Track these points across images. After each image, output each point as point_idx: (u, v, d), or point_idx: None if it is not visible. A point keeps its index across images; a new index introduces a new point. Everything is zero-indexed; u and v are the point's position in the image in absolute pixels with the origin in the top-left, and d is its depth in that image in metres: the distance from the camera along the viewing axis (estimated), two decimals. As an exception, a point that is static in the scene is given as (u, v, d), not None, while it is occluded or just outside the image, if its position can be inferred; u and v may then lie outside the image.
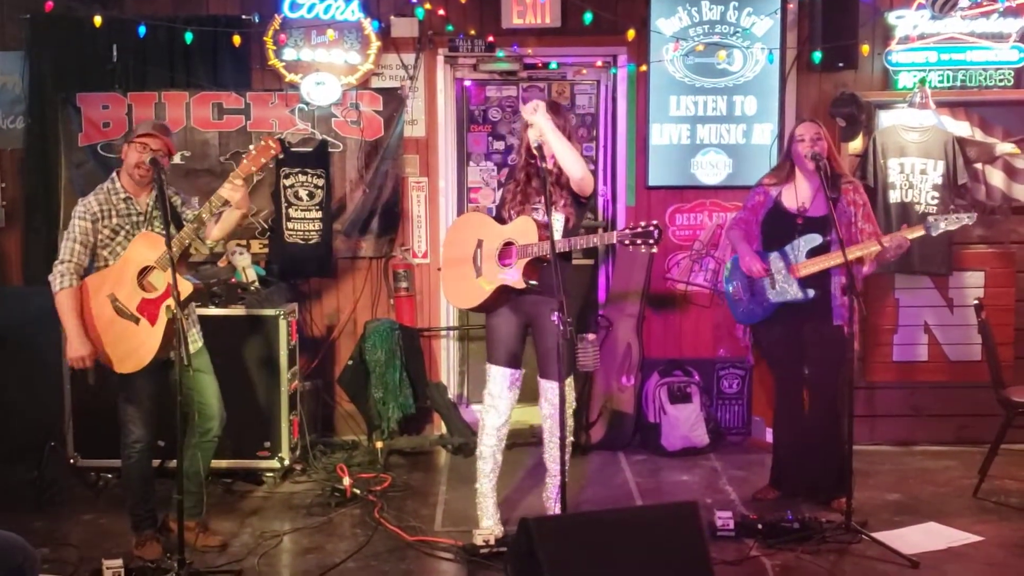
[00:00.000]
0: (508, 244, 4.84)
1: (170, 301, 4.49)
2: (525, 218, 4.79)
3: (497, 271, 4.85)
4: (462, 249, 4.98)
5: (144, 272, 4.66)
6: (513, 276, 4.76)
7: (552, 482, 5.10)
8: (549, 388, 4.96)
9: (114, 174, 4.79)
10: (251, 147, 4.73)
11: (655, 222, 4.54)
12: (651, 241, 4.50)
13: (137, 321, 4.66)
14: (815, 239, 5.28)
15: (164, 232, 4.55)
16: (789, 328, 5.44)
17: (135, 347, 4.67)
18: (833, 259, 5.20)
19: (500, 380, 4.98)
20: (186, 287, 4.60)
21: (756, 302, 5.48)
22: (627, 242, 4.55)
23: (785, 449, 5.68)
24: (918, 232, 5.21)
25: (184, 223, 4.79)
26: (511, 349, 4.98)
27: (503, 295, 4.88)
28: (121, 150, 4.81)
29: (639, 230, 4.52)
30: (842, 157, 6.65)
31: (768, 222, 5.51)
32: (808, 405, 5.59)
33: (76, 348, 4.63)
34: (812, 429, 5.52)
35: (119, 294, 4.67)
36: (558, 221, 4.84)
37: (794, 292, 5.32)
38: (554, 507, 5.05)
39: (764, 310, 5.45)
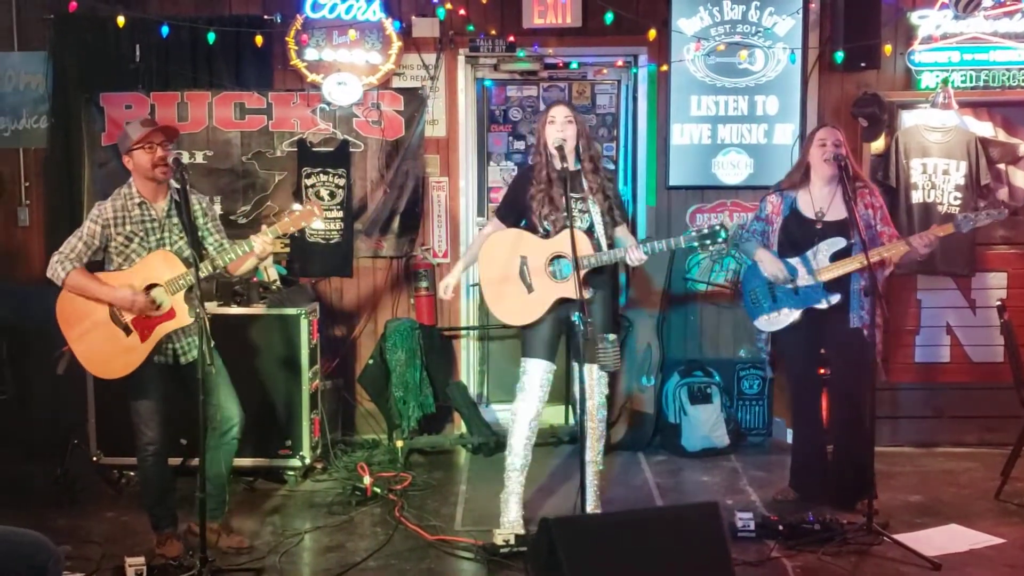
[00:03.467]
0: (558, 257, 4.86)
1: (189, 311, 4.53)
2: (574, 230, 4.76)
3: (551, 284, 4.87)
4: (503, 268, 4.95)
5: (149, 288, 4.64)
6: (572, 288, 4.75)
7: (588, 470, 5.03)
8: (584, 370, 4.94)
9: (130, 180, 4.76)
10: (295, 207, 4.71)
11: (719, 223, 4.73)
12: (719, 240, 4.70)
13: (128, 332, 4.65)
14: (839, 242, 5.26)
15: (182, 247, 4.63)
16: (808, 331, 5.41)
17: (118, 355, 4.67)
18: (856, 263, 5.16)
19: (538, 371, 4.97)
20: (184, 316, 4.61)
21: (780, 308, 5.44)
22: (695, 244, 4.75)
23: (804, 452, 5.66)
24: (948, 230, 5.19)
25: (201, 236, 4.80)
26: (551, 343, 5.00)
27: (556, 306, 4.90)
28: (124, 161, 4.74)
29: (706, 232, 4.70)
30: (864, 157, 6.65)
31: (787, 229, 5.48)
32: (829, 408, 5.57)
33: (126, 298, 4.59)
34: (834, 432, 5.50)
35: None
36: (595, 219, 4.86)
37: (818, 297, 5.30)
38: (591, 502, 5.02)
39: (788, 317, 5.40)
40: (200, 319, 4.43)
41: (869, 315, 5.08)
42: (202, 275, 4.55)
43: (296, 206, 4.76)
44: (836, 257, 5.27)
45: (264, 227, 4.66)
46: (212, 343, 4.86)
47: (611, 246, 4.93)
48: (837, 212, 5.31)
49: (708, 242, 4.72)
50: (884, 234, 5.32)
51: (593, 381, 4.95)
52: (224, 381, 4.90)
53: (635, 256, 4.78)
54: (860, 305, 5.27)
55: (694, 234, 4.74)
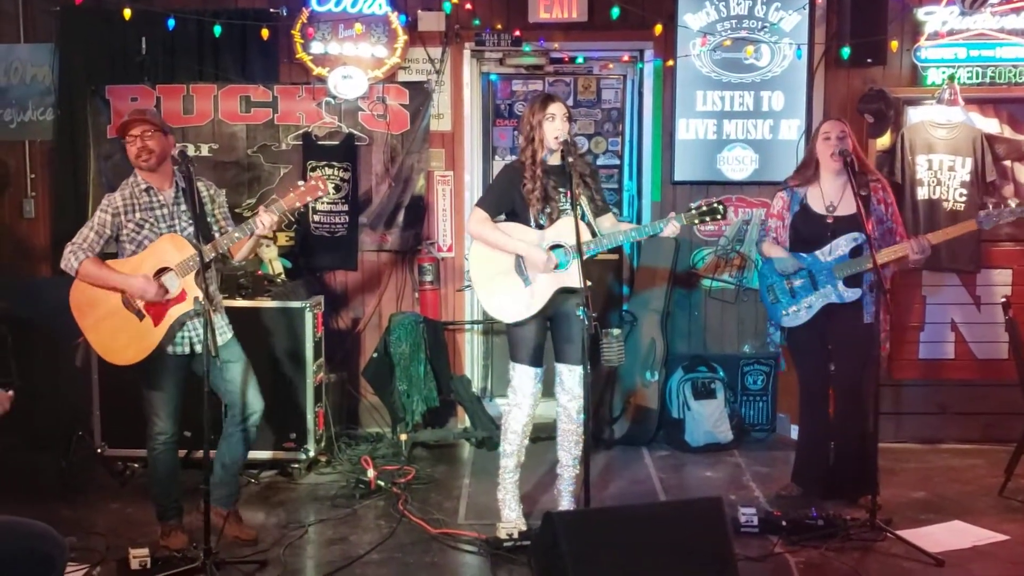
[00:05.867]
0: (555, 247, 4.84)
1: (199, 293, 4.54)
2: (568, 219, 4.75)
3: (551, 275, 4.83)
4: (498, 264, 4.91)
5: (160, 272, 4.66)
6: (572, 277, 4.75)
7: (563, 473, 5.10)
8: (566, 372, 4.97)
9: (135, 171, 4.80)
10: (300, 183, 4.72)
11: (717, 200, 4.86)
12: (718, 216, 4.78)
13: (141, 317, 4.66)
14: (857, 237, 5.23)
15: (192, 232, 4.63)
16: (820, 326, 5.40)
17: (133, 341, 4.68)
18: (875, 259, 5.09)
19: (527, 380, 4.96)
20: (196, 292, 4.61)
21: (800, 304, 5.41)
22: (696, 222, 4.83)
23: (809, 447, 5.65)
24: (971, 227, 5.19)
25: (210, 221, 4.81)
26: (538, 347, 4.97)
27: (555, 298, 4.87)
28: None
29: (704, 208, 4.80)
30: (869, 153, 6.64)
31: (797, 225, 5.46)
32: (835, 402, 5.56)
33: (140, 286, 4.59)
34: (839, 427, 5.50)
35: None
36: (585, 208, 4.89)
37: (840, 292, 5.28)
38: (565, 502, 5.08)
39: (810, 312, 5.38)
40: (201, 306, 4.46)
41: (875, 312, 5.08)
42: (209, 257, 4.58)
43: (301, 182, 4.76)
44: (855, 252, 5.26)
45: (272, 206, 4.66)
46: (232, 334, 4.96)
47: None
48: (848, 207, 5.28)
49: (708, 218, 4.80)
50: (894, 231, 5.31)
51: (575, 380, 4.95)
52: (246, 369, 4.93)
53: (671, 229, 4.79)
54: (871, 300, 5.26)
55: (694, 211, 4.81)
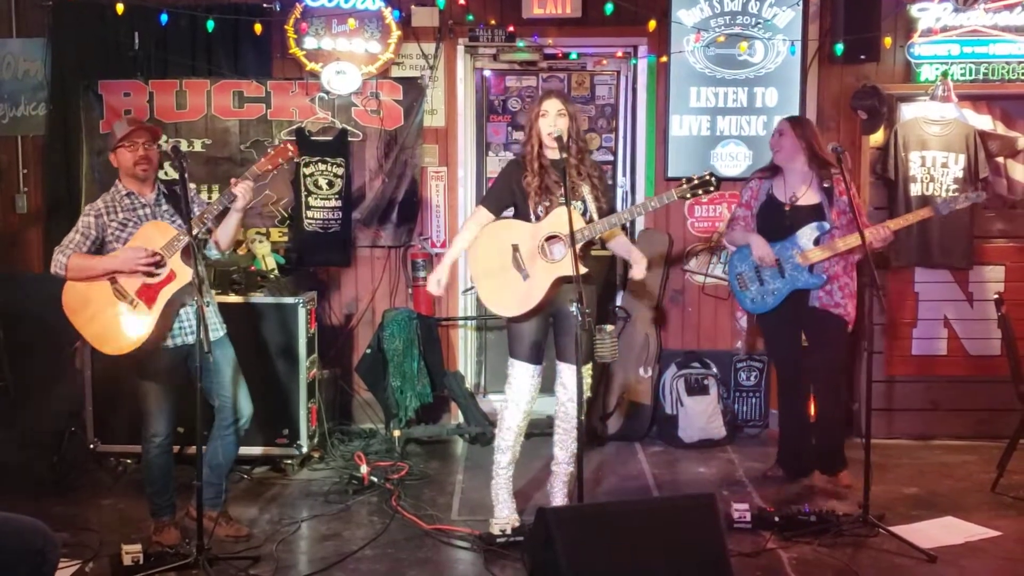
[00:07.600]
0: (551, 238, 4.83)
1: (189, 273, 4.55)
2: (562, 208, 4.72)
3: (547, 266, 4.82)
4: (495, 259, 4.90)
5: None
6: (568, 266, 4.71)
7: (557, 470, 5.11)
8: (567, 370, 4.94)
9: (117, 180, 4.83)
10: (268, 148, 4.75)
11: (708, 172, 4.82)
12: (711, 189, 4.78)
13: (135, 304, 4.67)
14: (821, 227, 5.40)
15: (179, 219, 4.68)
16: (792, 315, 5.55)
17: (128, 327, 4.67)
18: (837, 247, 5.34)
19: (524, 376, 4.96)
20: (185, 273, 4.63)
21: (767, 291, 5.55)
22: (688, 196, 4.81)
23: (789, 430, 5.83)
24: (928, 213, 5.34)
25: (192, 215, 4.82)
26: (536, 343, 4.95)
27: (554, 289, 4.85)
28: (111, 159, 4.82)
29: (696, 181, 4.77)
30: (863, 150, 6.66)
31: (761, 213, 5.65)
32: (815, 397, 5.65)
33: (128, 258, 4.61)
34: (819, 420, 5.62)
35: (120, 277, 4.68)
36: (589, 204, 4.89)
37: (805, 279, 5.42)
38: (558, 499, 5.08)
39: (776, 299, 5.53)
40: (195, 292, 4.47)
41: (845, 296, 5.35)
42: (195, 231, 4.57)
43: (269, 147, 4.77)
44: (819, 241, 5.41)
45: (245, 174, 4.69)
46: (224, 332, 4.97)
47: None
48: (809, 198, 5.49)
49: (700, 191, 4.79)
50: (856, 220, 5.40)
51: (576, 378, 4.93)
52: (236, 372, 4.93)
53: (640, 272, 4.92)
54: (841, 286, 5.45)
55: (686, 186, 4.79)
